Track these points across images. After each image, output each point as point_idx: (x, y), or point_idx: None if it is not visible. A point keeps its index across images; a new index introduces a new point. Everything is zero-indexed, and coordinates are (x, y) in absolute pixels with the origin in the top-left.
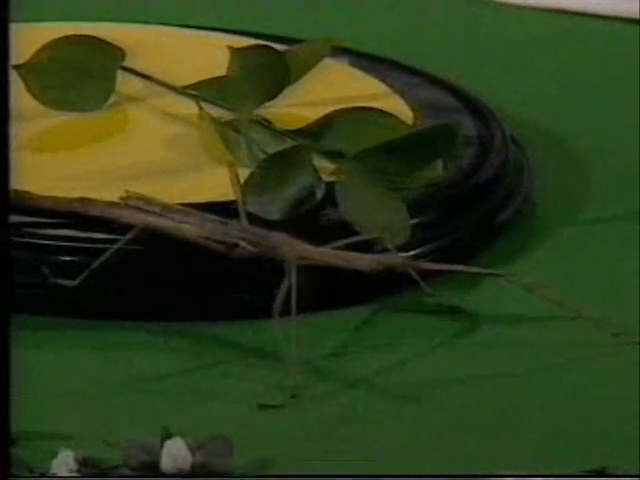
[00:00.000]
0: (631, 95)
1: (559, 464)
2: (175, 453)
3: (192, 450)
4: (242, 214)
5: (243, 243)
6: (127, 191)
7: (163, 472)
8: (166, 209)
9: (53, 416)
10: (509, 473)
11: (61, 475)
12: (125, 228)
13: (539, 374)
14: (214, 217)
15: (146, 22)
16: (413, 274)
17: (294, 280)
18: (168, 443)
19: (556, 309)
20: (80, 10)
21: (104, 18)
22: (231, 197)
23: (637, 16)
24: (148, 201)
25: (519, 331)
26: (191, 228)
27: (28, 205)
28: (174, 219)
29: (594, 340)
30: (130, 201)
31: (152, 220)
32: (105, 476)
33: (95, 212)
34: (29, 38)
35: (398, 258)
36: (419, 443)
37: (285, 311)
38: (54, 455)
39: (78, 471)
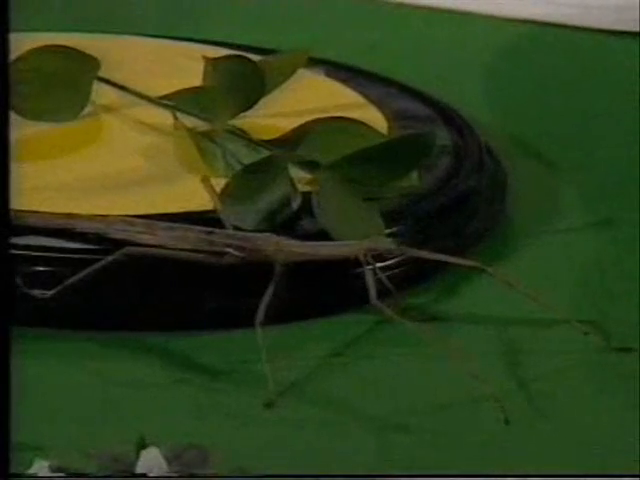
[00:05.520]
0: (603, 105)
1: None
2: (151, 463)
3: (168, 460)
4: (226, 221)
5: (231, 250)
6: (109, 215)
7: None
8: (150, 227)
9: (27, 426)
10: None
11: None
12: (107, 240)
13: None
14: (198, 228)
15: (121, 32)
16: (379, 273)
17: (282, 282)
18: (144, 453)
19: (537, 314)
20: (54, 20)
21: (78, 28)
22: (208, 207)
23: (610, 27)
24: (131, 223)
25: (496, 336)
26: (177, 242)
27: (14, 223)
28: (159, 235)
29: (579, 346)
30: (115, 225)
31: (137, 237)
32: None
33: (81, 228)
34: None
35: (383, 241)
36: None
37: (267, 320)
38: (28, 466)
39: None
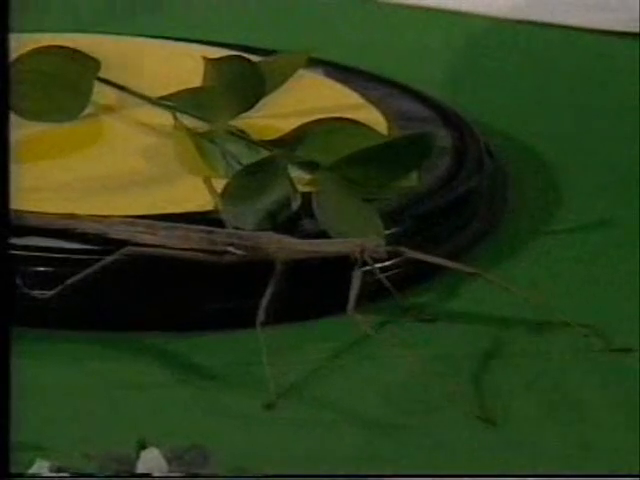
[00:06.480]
0: (603, 105)
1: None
2: (151, 463)
3: (168, 460)
4: (227, 221)
5: (231, 249)
6: (110, 216)
7: None
8: (150, 227)
9: (27, 426)
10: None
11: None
12: (108, 241)
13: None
14: (199, 227)
15: (121, 33)
16: (377, 273)
17: (282, 281)
18: (144, 453)
19: (537, 314)
20: (54, 20)
21: (78, 28)
22: (208, 207)
23: (610, 27)
24: (132, 223)
25: (496, 337)
26: (178, 242)
27: (14, 223)
28: (160, 235)
29: (576, 348)
30: (116, 225)
31: (138, 237)
32: None
33: (81, 228)
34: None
35: (377, 240)
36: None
37: (267, 320)
38: (29, 466)
39: None
